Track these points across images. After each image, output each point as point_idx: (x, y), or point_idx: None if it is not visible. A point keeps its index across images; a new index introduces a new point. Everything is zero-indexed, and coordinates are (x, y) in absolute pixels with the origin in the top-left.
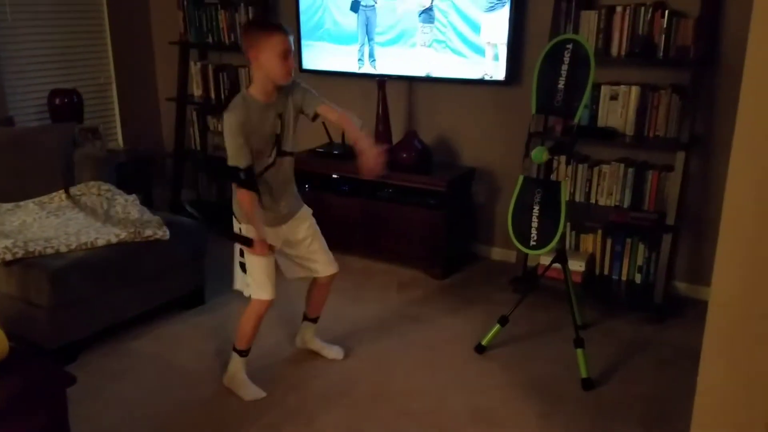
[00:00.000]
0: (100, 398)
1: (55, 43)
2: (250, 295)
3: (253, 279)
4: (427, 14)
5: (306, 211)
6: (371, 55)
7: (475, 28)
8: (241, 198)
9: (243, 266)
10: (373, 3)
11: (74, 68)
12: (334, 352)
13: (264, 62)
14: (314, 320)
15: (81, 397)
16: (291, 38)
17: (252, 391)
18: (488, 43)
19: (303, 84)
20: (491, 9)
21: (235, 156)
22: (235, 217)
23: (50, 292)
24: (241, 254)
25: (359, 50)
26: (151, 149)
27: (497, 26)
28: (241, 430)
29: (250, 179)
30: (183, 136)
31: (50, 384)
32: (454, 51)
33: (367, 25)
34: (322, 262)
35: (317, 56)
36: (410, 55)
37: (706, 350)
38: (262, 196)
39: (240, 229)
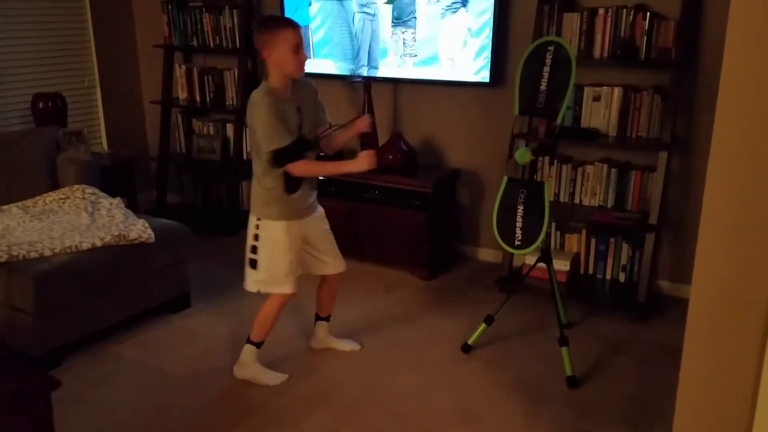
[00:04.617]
0: (84, 403)
1: (39, 46)
2: (259, 291)
3: (276, 273)
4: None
5: (322, 209)
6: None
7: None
8: (297, 169)
9: (253, 263)
10: (373, 12)
11: (58, 72)
12: (350, 346)
13: (277, 59)
14: (326, 319)
15: (65, 402)
16: (300, 31)
17: (274, 376)
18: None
19: (319, 95)
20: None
21: (275, 138)
22: (253, 214)
23: (34, 296)
24: (253, 251)
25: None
26: (136, 153)
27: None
28: None
29: (294, 151)
30: (168, 139)
31: (34, 389)
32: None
33: (372, 37)
34: (333, 260)
35: None
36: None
37: (688, 348)
38: (292, 188)
39: (257, 227)
